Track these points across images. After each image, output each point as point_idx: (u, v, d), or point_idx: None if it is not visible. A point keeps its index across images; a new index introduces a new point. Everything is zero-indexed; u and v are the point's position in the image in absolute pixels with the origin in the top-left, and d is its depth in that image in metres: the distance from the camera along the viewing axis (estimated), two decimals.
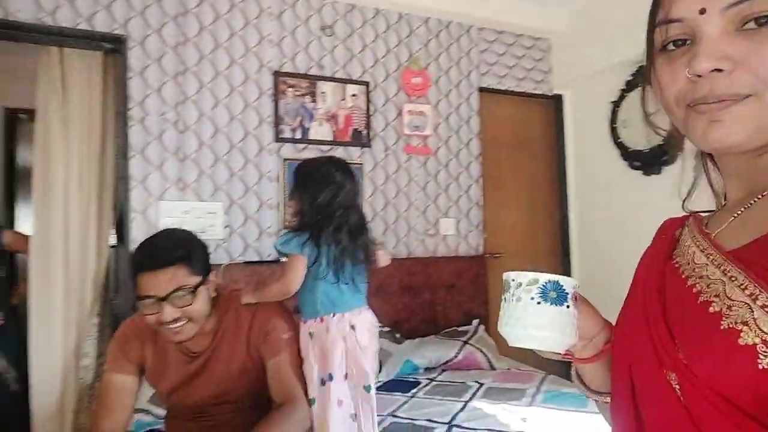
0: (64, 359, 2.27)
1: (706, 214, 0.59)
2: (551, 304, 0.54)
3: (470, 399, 2.15)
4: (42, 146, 2.27)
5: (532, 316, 0.54)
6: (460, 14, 3.07)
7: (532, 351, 0.60)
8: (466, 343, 2.66)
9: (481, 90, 3.21)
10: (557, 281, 0.54)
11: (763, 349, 0.40)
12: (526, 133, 3.43)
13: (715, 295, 0.45)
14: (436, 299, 2.91)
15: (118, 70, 2.42)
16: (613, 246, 3.00)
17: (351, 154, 2.85)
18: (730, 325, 0.42)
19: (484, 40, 3.24)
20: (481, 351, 2.64)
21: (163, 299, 1.14)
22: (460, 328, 2.86)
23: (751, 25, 0.45)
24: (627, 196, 2.98)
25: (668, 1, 0.49)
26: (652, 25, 0.52)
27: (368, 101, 2.88)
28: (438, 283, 2.92)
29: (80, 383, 2.30)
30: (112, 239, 2.47)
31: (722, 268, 0.47)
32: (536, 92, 3.37)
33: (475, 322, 2.92)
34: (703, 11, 0.46)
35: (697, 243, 0.53)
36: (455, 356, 2.56)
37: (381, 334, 2.60)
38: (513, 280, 0.56)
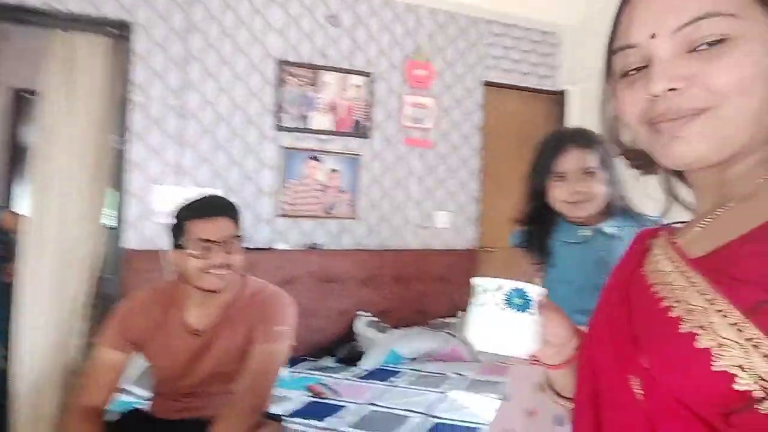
0: (51, 337, 2.32)
1: (679, 225, 0.61)
2: (515, 310, 0.55)
3: (450, 390, 2.24)
4: (44, 126, 2.35)
5: (495, 322, 0.55)
6: (468, 6, 3.05)
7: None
8: (452, 335, 2.73)
9: (486, 84, 3.20)
10: (522, 289, 0.56)
11: (717, 352, 0.41)
12: (529, 128, 3.42)
13: (676, 301, 0.47)
14: (426, 291, 2.98)
15: (123, 55, 2.47)
16: None
17: (350, 145, 2.89)
18: (688, 329, 0.44)
19: (492, 33, 3.21)
20: (466, 343, 2.71)
21: (219, 243, 1.26)
22: (447, 320, 2.94)
23: (703, 47, 0.47)
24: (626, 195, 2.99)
25: (624, 29, 0.53)
26: (611, 52, 0.56)
27: (370, 92, 2.90)
28: (429, 275, 2.99)
29: (70, 362, 2.37)
30: (109, 220, 2.55)
31: (686, 275, 0.49)
32: (541, 88, 3.35)
33: (461, 314, 2.99)
34: (653, 36, 0.49)
35: (665, 252, 0.55)
36: (440, 347, 2.65)
37: (370, 323, 2.70)
38: (479, 286, 0.58)
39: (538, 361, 0.65)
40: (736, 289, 0.43)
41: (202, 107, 2.61)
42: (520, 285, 0.56)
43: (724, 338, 0.42)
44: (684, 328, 0.44)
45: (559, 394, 0.70)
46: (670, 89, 0.48)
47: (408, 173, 3.02)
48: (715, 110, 0.47)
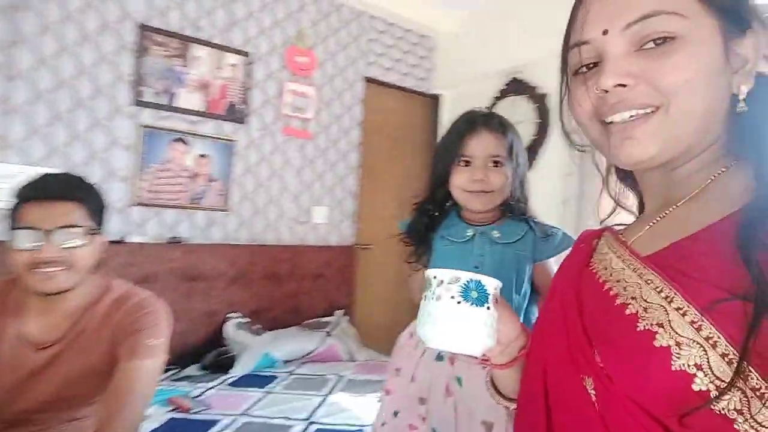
0: None
1: (621, 227, 0.61)
2: (471, 304, 0.51)
3: (330, 393, 2.14)
4: None
5: (450, 316, 0.51)
6: None
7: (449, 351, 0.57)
8: (328, 334, 2.64)
9: (367, 80, 3.17)
10: (479, 281, 0.52)
11: (676, 351, 0.40)
12: (406, 128, 3.48)
13: (632, 298, 0.46)
14: (302, 289, 2.84)
15: None
16: None
17: (223, 130, 2.62)
18: (646, 327, 0.43)
19: (375, 29, 3.20)
20: (343, 342, 2.65)
21: (49, 232, 0.99)
22: (323, 319, 2.84)
23: (650, 45, 0.48)
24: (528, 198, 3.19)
25: (579, 25, 0.53)
26: (566, 48, 0.56)
27: (248, 74, 2.67)
28: (305, 272, 2.85)
29: None
30: None
31: (638, 272, 0.48)
32: (417, 89, 3.43)
33: (338, 312, 2.91)
34: (605, 32, 0.50)
35: (614, 250, 0.54)
36: (316, 348, 2.54)
37: (241, 326, 2.47)
38: (434, 277, 0.53)
39: (487, 360, 0.62)
40: (692, 287, 0.43)
41: (36, 68, 2.13)
42: (477, 277, 0.53)
43: (682, 336, 0.41)
44: (641, 325, 0.43)
45: (501, 395, 0.68)
46: (620, 85, 0.49)
47: (285, 164, 2.84)
48: (664, 109, 0.48)
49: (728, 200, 0.47)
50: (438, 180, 1.22)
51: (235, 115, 2.65)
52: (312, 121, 2.92)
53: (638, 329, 0.43)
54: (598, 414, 0.45)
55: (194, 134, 2.53)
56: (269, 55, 2.76)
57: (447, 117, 3.57)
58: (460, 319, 0.52)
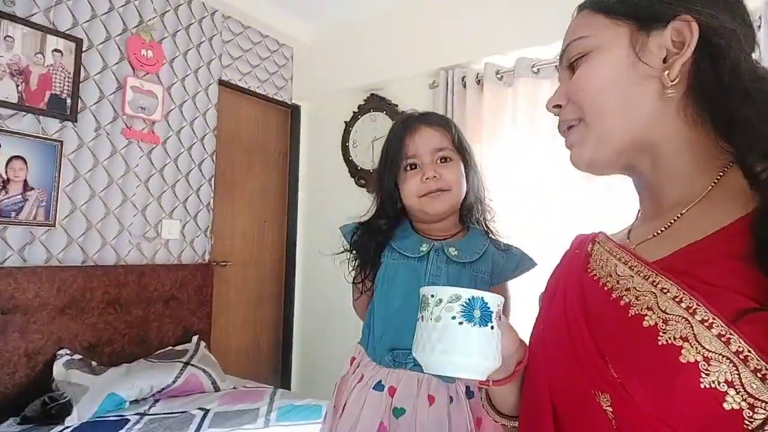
0: None
1: (612, 233, 0.61)
2: (474, 324, 0.48)
3: (199, 429, 1.86)
4: None
5: (453, 339, 0.48)
6: None
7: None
8: (187, 364, 2.32)
9: (222, 83, 2.93)
10: (482, 298, 0.49)
11: (704, 367, 0.38)
12: (263, 137, 3.31)
13: (647, 308, 0.44)
14: (151, 315, 2.45)
15: None
16: (334, 260, 3.14)
17: (45, 127, 2.16)
18: (669, 341, 0.40)
19: (230, 30, 2.99)
20: (205, 371, 2.35)
21: None
22: (178, 348, 2.49)
23: (574, 65, 0.56)
24: (350, 212, 3.19)
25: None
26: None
27: (78, 63, 2.25)
28: (155, 296, 2.47)
29: None
30: None
31: (650, 279, 0.46)
32: (277, 98, 3.29)
33: (194, 339, 2.59)
34: (557, 67, 0.61)
35: (616, 255, 0.53)
36: (174, 381, 2.20)
37: (73, 364, 2.04)
38: (432, 296, 0.50)
39: (486, 383, 0.58)
40: (715, 296, 0.41)
41: None
42: (479, 293, 0.50)
43: (710, 351, 0.39)
44: (663, 339, 0.41)
45: (499, 412, 0.66)
46: (556, 106, 0.58)
47: (127, 171, 2.45)
48: (584, 120, 0.55)
49: (736, 202, 0.46)
50: (387, 194, 1.13)
51: (62, 109, 2.20)
52: (160, 123, 2.58)
53: (660, 343, 0.41)
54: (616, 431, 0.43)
55: (5, 131, 2.03)
56: (106, 44, 2.37)
57: (305, 129, 3.50)
58: (463, 342, 0.48)
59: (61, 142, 2.20)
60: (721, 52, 0.47)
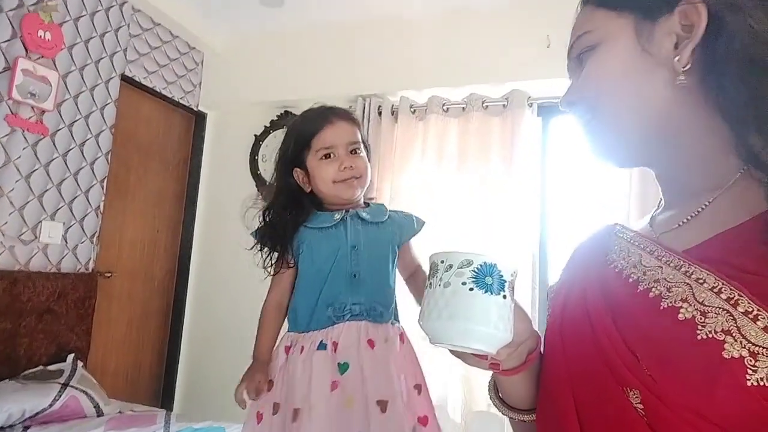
0: None
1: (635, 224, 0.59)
2: (486, 292, 0.45)
3: None
4: None
5: (461, 305, 0.45)
6: None
7: None
8: (66, 385, 2.05)
9: (125, 79, 2.72)
10: (494, 265, 0.46)
11: (751, 363, 0.35)
12: (163, 141, 3.10)
13: (682, 300, 0.41)
14: (22, 329, 2.13)
15: None
16: (231, 275, 3.03)
17: None
18: (710, 335, 0.38)
19: (138, 24, 2.79)
20: (86, 393, 2.09)
21: None
22: (51, 368, 2.19)
23: (582, 59, 0.55)
24: (253, 226, 3.11)
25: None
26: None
27: None
28: (27, 307, 2.16)
29: None
30: None
31: (682, 269, 0.43)
32: (182, 102, 3.13)
33: (70, 357, 2.30)
34: (567, 62, 0.59)
35: (641, 245, 0.50)
36: (51, 405, 1.93)
37: None
38: (442, 261, 0.47)
39: (497, 364, 0.54)
40: (758, 286, 0.38)
41: None
42: (492, 260, 0.47)
43: (756, 345, 0.36)
44: (702, 333, 0.38)
45: (506, 405, 0.62)
46: (569, 102, 0.57)
47: (7, 163, 2.14)
48: (593, 115, 0.54)
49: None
50: (287, 183, 1.23)
51: None
52: (51, 113, 2.31)
53: (699, 338, 0.38)
54: (650, 428, 0.41)
55: None
56: None
57: (210, 138, 3.37)
58: (473, 309, 0.45)
59: None
60: (731, 32, 0.45)
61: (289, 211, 1.21)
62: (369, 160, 1.29)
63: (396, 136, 2.83)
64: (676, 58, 0.48)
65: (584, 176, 2.62)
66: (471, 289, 0.44)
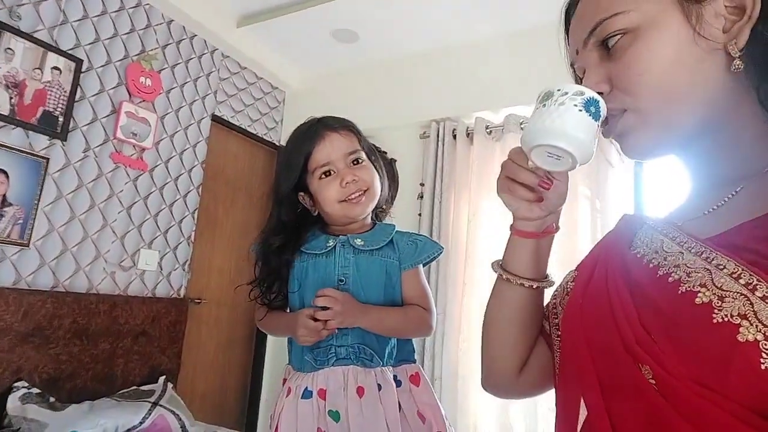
0: None
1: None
2: (590, 115, 0.52)
3: None
4: None
5: (571, 119, 0.51)
6: (206, 31, 2.80)
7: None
8: (156, 404, 2.14)
9: (215, 118, 2.94)
10: (598, 101, 0.52)
11: (766, 347, 0.35)
12: (248, 175, 3.29)
13: (701, 285, 0.41)
14: (119, 350, 2.28)
15: None
16: None
17: (33, 143, 2.08)
18: (726, 319, 0.37)
19: (227, 68, 3.03)
20: (175, 414, 2.17)
21: None
22: (144, 388, 2.31)
23: (612, 45, 0.51)
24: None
25: (570, 50, 0.59)
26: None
27: (76, 83, 2.21)
28: (125, 329, 2.32)
29: None
30: None
31: (703, 255, 0.43)
32: (265, 138, 3.31)
33: (161, 379, 2.41)
34: (577, 52, 0.56)
35: (663, 231, 0.50)
36: (142, 422, 2.02)
37: (30, 398, 1.86)
38: (558, 90, 0.54)
39: (549, 182, 0.57)
40: None
41: None
42: (597, 96, 0.52)
43: None
44: (718, 317, 0.38)
45: (511, 272, 0.64)
46: (599, 93, 0.52)
47: (111, 196, 2.37)
48: (639, 107, 0.50)
49: None
50: (286, 201, 1.11)
51: (53, 127, 2.13)
52: (150, 150, 2.53)
53: (715, 321, 0.38)
54: (664, 398, 0.40)
55: None
56: (105, 67, 2.35)
57: None
58: (579, 123, 0.51)
59: (48, 159, 2.11)
60: None
61: (285, 227, 1.11)
62: (380, 168, 1.15)
63: (472, 159, 2.77)
64: (733, 41, 0.45)
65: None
66: (580, 111, 0.51)
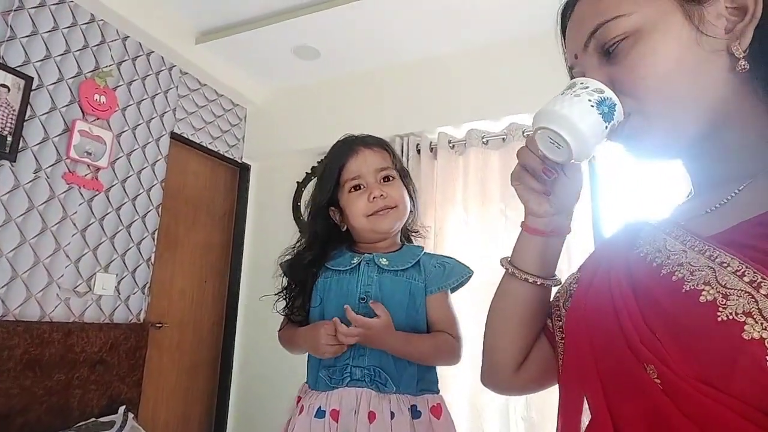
0: None
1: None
2: (600, 114, 0.51)
3: None
4: None
5: (580, 110, 0.52)
6: (164, 47, 2.74)
7: None
8: None
9: (174, 136, 2.86)
10: (615, 104, 0.52)
11: None
12: (210, 194, 3.21)
13: (704, 283, 0.40)
14: (75, 380, 2.16)
15: None
16: (277, 323, 3.00)
17: None
18: (730, 317, 0.37)
19: (186, 85, 2.97)
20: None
21: None
22: (103, 419, 2.19)
23: (614, 51, 0.50)
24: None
25: (567, 53, 0.59)
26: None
27: (26, 102, 2.11)
28: (81, 358, 2.20)
29: None
30: None
31: (707, 253, 0.43)
32: (227, 155, 3.25)
33: (121, 409, 2.30)
34: (576, 56, 0.56)
35: (666, 230, 0.50)
36: None
37: None
38: (581, 82, 0.54)
39: (554, 171, 0.58)
40: None
41: None
42: (616, 100, 0.52)
43: None
44: (723, 315, 0.38)
45: (516, 267, 0.65)
46: None
47: (64, 218, 2.26)
48: (640, 111, 0.50)
49: None
50: (321, 214, 1.14)
51: (1, 147, 2.02)
52: (106, 170, 2.44)
53: (720, 319, 0.38)
54: (667, 396, 0.40)
55: None
56: (57, 84, 2.26)
57: (254, 188, 3.46)
58: (586, 117, 0.51)
59: None
60: None
61: (311, 253, 1.12)
62: (411, 191, 1.17)
63: (436, 173, 2.81)
64: (737, 42, 0.45)
65: (637, 203, 2.48)
66: (592, 106, 0.51)
